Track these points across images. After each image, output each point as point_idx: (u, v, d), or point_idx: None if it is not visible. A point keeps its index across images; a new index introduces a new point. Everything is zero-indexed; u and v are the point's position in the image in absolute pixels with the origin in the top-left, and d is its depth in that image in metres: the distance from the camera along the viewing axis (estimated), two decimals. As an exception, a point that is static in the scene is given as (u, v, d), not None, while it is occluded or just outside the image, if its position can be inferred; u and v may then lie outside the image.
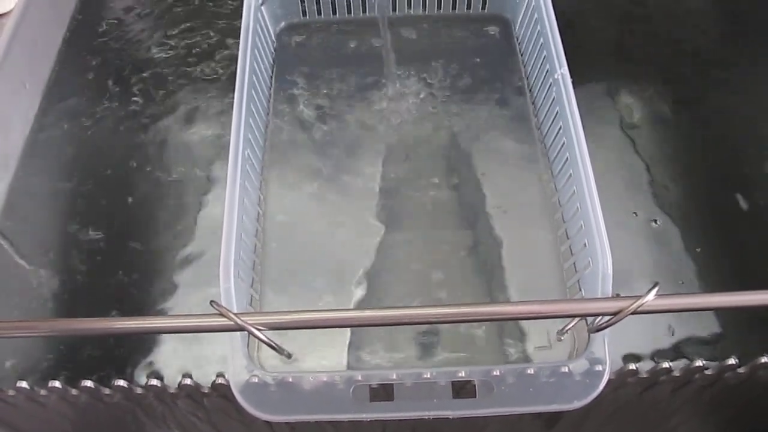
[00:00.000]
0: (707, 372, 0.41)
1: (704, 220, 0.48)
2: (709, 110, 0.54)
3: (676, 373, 0.41)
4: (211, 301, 0.31)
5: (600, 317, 0.34)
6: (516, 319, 0.41)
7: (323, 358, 0.43)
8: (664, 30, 0.59)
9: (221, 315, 0.30)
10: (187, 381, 0.40)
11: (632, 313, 0.31)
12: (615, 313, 0.31)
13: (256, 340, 0.41)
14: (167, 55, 0.58)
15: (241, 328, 0.30)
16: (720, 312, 0.43)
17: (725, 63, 0.57)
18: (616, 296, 0.33)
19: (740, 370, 0.41)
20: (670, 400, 0.45)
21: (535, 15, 0.51)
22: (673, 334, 0.43)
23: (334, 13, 0.58)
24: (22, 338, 0.43)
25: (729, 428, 0.49)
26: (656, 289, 0.31)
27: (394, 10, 0.59)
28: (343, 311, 0.32)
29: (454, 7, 0.59)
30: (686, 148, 0.52)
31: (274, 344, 0.31)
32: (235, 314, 0.30)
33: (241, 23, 0.49)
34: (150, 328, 0.32)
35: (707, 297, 0.32)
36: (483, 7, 0.59)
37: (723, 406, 0.47)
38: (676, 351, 0.43)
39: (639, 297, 0.31)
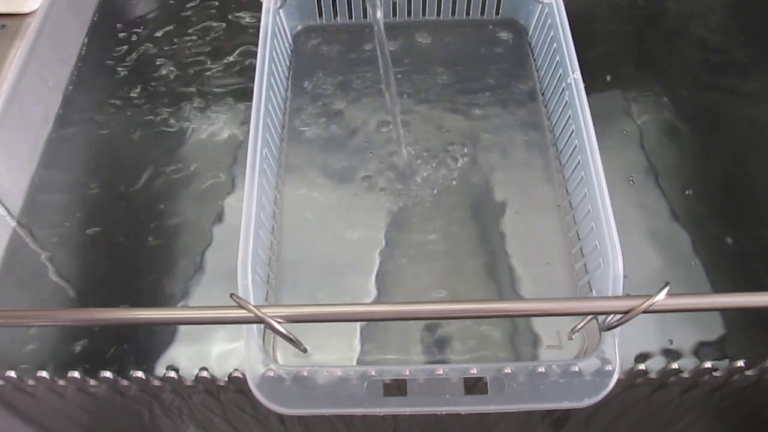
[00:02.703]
0: (716, 374, 0.41)
1: (715, 223, 0.48)
2: (721, 117, 0.54)
3: (686, 375, 0.41)
4: (231, 294, 0.32)
5: (611, 316, 0.34)
6: (528, 315, 0.42)
7: (335, 353, 0.43)
8: (678, 37, 0.60)
9: (241, 307, 0.31)
10: (204, 374, 0.41)
11: (643, 312, 0.31)
12: (626, 312, 0.32)
13: (272, 335, 0.42)
14: (188, 53, 0.59)
15: (260, 320, 0.31)
16: (729, 314, 0.44)
17: (740, 70, 0.57)
18: (627, 296, 0.34)
19: (748, 373, 0.41)
20: (678, 403, 0.45)
21: (549, 20, 0.52)
22: (682, 337, 0.44)
23: (350, 17, 0.59)
24: (44, 329, 0.44)
25: (737, 433, 0.50)
26: (667, 288, 0.31)
27: (408, 14, 0.60)
28: (359, 305, 0.33)
29: (468, 13, 0.60)
30: (697, 153, 0.52)
31: (292, 337, 0.32)
32: (254, 306, 0.31)
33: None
34: (171, 319, 0.33)
35: (718, 297, 0.32)
36: (497, 13, 0.59)
37: (731, 410, 0.47)
38: (685, 353, 0.43)
39: (650, 296, 0.31)
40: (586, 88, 0.46)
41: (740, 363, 0.41)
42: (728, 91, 0.56)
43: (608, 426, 0.49)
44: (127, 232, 0.49)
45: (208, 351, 0.43)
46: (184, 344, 0.43)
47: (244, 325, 0.38)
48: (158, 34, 0.61)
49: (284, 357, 0.42)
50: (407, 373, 0.38)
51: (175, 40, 0.60)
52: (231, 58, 0.59)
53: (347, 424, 0.47)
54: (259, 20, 0.51)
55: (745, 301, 0.32)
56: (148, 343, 0.44)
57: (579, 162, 0.45)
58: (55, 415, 0.47)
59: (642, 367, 0.41)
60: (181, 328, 0.44)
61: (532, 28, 0.57)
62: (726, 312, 0.44)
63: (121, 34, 0.61)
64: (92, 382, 0.42)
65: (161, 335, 0.44)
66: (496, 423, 0.47)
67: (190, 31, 0.61)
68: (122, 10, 0.63)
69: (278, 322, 0.31)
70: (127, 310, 0.31)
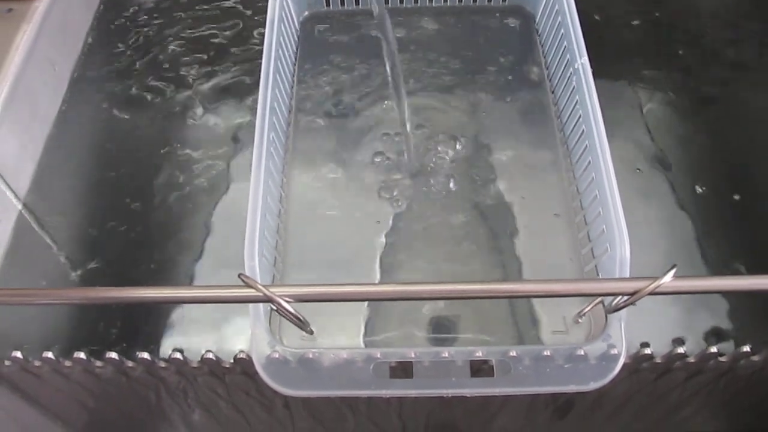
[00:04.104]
0: (721, 359, 0.41)
1: (719, 207, 0.48)
2: (727, 102, 0.54)
3: (691, 359, 0.41)
4: (240, 274, 0.32)
5: (617, 299, 0.34)
6: (535, 296, 0.42)
7: (341, 336, 0.43)
8: (685, 24, 0.59)
9: (249, 286, 0.31)
10: (210, 355, 0.41)
11: (650, 294, 0.31)
12: (632, 294, 0.31)
13: (278, 318, 0.42)
14: (196, 38, 0.59)
15: (268, 299, 0.31)
16: (736, 299, 0.44)
17: (750, 58, 0.57)
18: (633, 278, 0.33)
19: (754, 358, 0.41)
20: (683, 389, 0.45)
21: (556, 6, 0.52)
22: (687, 322, 0.44)
23: (357, 3, 0.59)
24: (51, 309, 0.44)
25: (740, 421, 0.49)
26: (674, 270, 0.31)
27: (415, 0, 0.60)
28: (366, 285, 0.33)
29: (474, -1, 0.60)
30: (703, 139, 0.52)
31: (300, 316, 0.32)
32: (263, 285, 0.31)
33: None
34: (178, 298, 0.33)
35: (724, 280, 0.32)
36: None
37: (736, 397, 0.47)
38: (691, 338, 0.43)
39: (657, 278, 0.31)
40: (593, 73, 0.46)
41: (746, 348, 0.41)
42: (738, 78, 0.56)
43: (612, 413, 0.49)
44: (133, 215, 0.49)
45: (213, 333, 0.43)
46: (190, 326, 0.43)
47: (250, 307, 0.38)
48: (166, 17, 0.61)
49: (290, 339, 0.42)
50: (413, 355, 0.38)
51: (183, 22, 0.60)
52: (240, 40, 0.59)
53: (352, 409, 0.47)
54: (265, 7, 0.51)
55: (752, 284, 0.32)
56: (154, 324, 0.44)
57: (586, 147, 0.45)
58: (61, 397, 0.47)
59: (647, 351, 0.41)
60: (188, 310, 0.44)
61: (539, 15, 0.57)
62: (732, 297, 0.44)
63: (129, 18, 0.61)
64: (98, 363, 0.42)
65: (167, 316, 0.44)
66: (500, 409, 0.47)
67: (198, 14, 0.61)
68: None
69: (287, 301, 0.31)
70: (134, 288, 0.31)
